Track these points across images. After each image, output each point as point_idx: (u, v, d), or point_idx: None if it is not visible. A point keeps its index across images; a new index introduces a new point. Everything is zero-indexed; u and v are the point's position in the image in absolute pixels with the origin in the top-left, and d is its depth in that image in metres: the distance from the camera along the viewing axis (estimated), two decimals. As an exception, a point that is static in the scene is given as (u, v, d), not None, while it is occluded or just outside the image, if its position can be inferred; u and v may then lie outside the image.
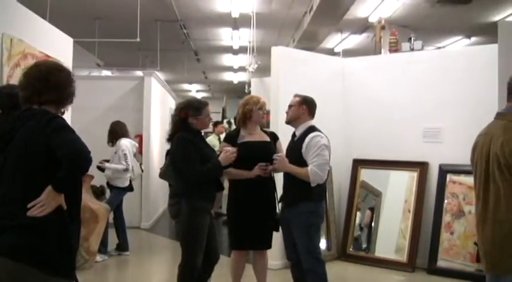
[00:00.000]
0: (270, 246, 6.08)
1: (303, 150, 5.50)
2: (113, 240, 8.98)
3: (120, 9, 13.24)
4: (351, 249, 8.59)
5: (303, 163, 5.48)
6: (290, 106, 5.78)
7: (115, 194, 8.90)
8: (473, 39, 16.73)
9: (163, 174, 5.95)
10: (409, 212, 8.05)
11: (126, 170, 8.77)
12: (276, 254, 7.23)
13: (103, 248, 8.58)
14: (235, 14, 14.06)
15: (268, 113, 7.26)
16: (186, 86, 31.45)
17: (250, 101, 6.07)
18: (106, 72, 19.13)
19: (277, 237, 6.10)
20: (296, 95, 5.84)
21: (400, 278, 7.72)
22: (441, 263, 7.61)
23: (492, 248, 3.89)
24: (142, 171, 9.70)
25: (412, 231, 7.97)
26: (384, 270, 7.99)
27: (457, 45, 17.31)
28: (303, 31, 14.81)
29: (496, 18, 13.67)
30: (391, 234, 8.13)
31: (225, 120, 20.24)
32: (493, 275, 4.02)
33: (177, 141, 5.49)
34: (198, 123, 5.65)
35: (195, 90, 33.67)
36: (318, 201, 5.66)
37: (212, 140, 12.78)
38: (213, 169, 5.50)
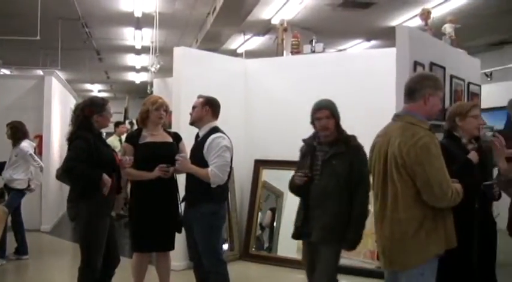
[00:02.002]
0: (172, 248, 6.06)
1: (205, 151, 5.49)
2: (11, 243, 8.74)
3: (20, 5, 12.84)
4: (253, 249, 8.64)
5: (205, 164, 5.47)
6: (194, 107, 5.76)
7: (13, 197, 8.66)
8: (372, 42, 17.10)
9: (59, 176, 5.84)
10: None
11: (41, 168, 8.71)
12: (178, 255, 7.20)
13: (1, 252, 8.36)
14: (138, 14, 13.89)
15: (170, 113, 7.22)
16: (88, 86, 30.86)
17: (147, 101, 6.05)
18: (5, 71, 18.56)
19: (180, 238, 6.07)
20: (200, 96, 5.83)
21: (302, 277, 7.74)
22: (342, 261, 7.70)
23: (390, 245, 4.03)
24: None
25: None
26: (285, 269, 8.06)
27: (357, 48, 17.60)
28: (206, 32, 14.80)
29: (394, 22, 14.02)
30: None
31: (127, 121, 20.00)
32: (391, 271, 4.17)
33: (75, 142, 5.41)
34: (102, 121, 5.59)
35: (97, 90, 33.09)
36: (220, 202, 5.67)
37: (113, 141, 12.61)
38: (92, 177, 5.42)
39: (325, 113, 5.19)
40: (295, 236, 5.44)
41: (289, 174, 8.32)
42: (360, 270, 7.53)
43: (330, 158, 5.09)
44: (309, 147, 5.35)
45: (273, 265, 8.24)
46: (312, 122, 5.30)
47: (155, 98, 6.14)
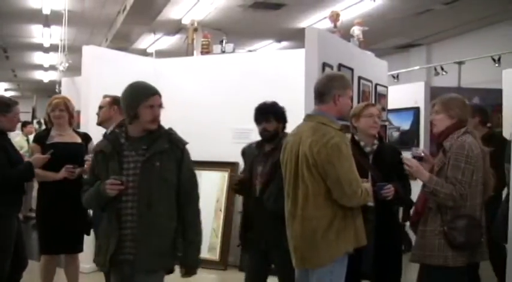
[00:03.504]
0: (81, 250, 5.97)
1: None
2: None
3: None
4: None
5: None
6: (100, 107, 5.69)
7: None
8: (283, 43, 17.25)
9: None
10: (221, 211, 8.18)
11: None
12: (87, 257, 7.07)
13: None
14: (46, 11, 13.57)
15: (79, 113, 7.11)
16: (-7, 85, 30.18)
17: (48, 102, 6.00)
18: None
19: (88, 240, 5.99)
20: (106, 96, 5.75)
21: (213, 277, 7.83)
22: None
23: (301, 244, 4.09)
24: None
25: (224, 230, 8.10)
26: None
27: (268, 49, 17.74)
28: (116, 31, 14.65)
29: (304, 24, 14.18)
30: (204, 234, 8.06)
31: (35, 121, 19.57)
32: (303, 269, 4.22)
33: None
34: (6, 122, 5.44)
35: (3, 89, 32.27)
36: None
37: (20, 141, 12.29)
38: (24, 171, 5.34)
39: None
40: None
41: (199, 174, 8.33)
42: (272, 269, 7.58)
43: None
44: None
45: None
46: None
47: (52, 98, 6.05)
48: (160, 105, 4.15)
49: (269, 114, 5.23)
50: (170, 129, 4.27)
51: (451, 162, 4.31)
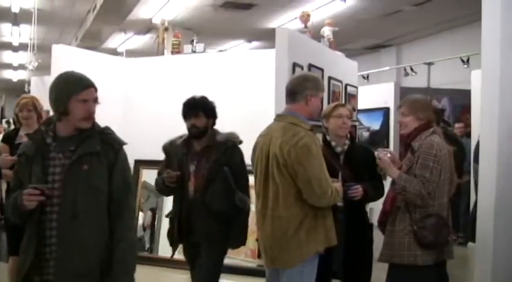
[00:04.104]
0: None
1: None
2: None
3: None
4: (135, 251, 8.53)
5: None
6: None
7: None
8: (254, 43, 17.28)
9: None
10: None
11: None
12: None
13: None
14: (15, 9, 13.40)
15: (48, 112, 7.05)
16: (-40, 84, 29.82)
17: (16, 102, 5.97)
18: None
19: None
20: None
21: (183, 276, 7.76)
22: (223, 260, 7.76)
23: (271, 244, 4.10)
24: None
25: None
26: (167, 269, 8.01)
27: (239, 49, 17.75)
28: (86, 30, 14.57)
29: (275, 24, 14.20)
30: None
31: (4, 120, 19.40)
32: (273, 269, 4.23)
33: None
34: None
35: (-29, 89, 32.01)
36: None
37: (-11, 141, 12.17)
38: None
39: None
40: None
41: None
42: (241, 269, 7.57)
43: None
44: None
45: (155, 266, 8.18)
46: None
47: (20, 98, 6.01)
48: (95, 100, 3.57)
49: (198, 110, 5.05)
50: (106, 128, 3.69)
51: (419, 162, 4.36)
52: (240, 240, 5.15)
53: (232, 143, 4.95)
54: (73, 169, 3.36)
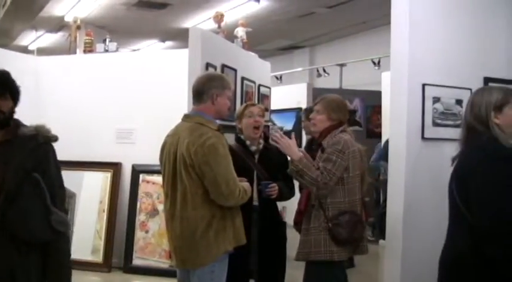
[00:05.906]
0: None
1: None
2: None
3: None
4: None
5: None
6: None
7: None
8: (167, 43, 17.16)
9: None
10: (104, 212, 8.03)
11: None
12: None
13: None
14: None
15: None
16: None
17: None
18: None
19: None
20: None
21: (96, 279, 7.69)
22: (137, 261, 7.68)
23: (181, 244, 4.09)
24: None
25: (107, 231, 7.94)
26: (80, 272, 7.82)
27: (152, 49, 17.63)
28: (-5, 27, 14.20)
29: (188, 24, 14.14)
30: (87, 236, 8.02)
31: None
32: (184, 270, 4.22)
33: None
34: None
35: None
36: None
37: None
38: None
39: None
40: None
41: (82, 175, 8.15)
42: (155, 270, 7.53)
43: None
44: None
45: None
46: None
47: None
48: None
49: (6, 89, 3.46)
50: None
51: (324, 156, 4.44)
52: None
53: (43, 139, 3.67)
54: None
